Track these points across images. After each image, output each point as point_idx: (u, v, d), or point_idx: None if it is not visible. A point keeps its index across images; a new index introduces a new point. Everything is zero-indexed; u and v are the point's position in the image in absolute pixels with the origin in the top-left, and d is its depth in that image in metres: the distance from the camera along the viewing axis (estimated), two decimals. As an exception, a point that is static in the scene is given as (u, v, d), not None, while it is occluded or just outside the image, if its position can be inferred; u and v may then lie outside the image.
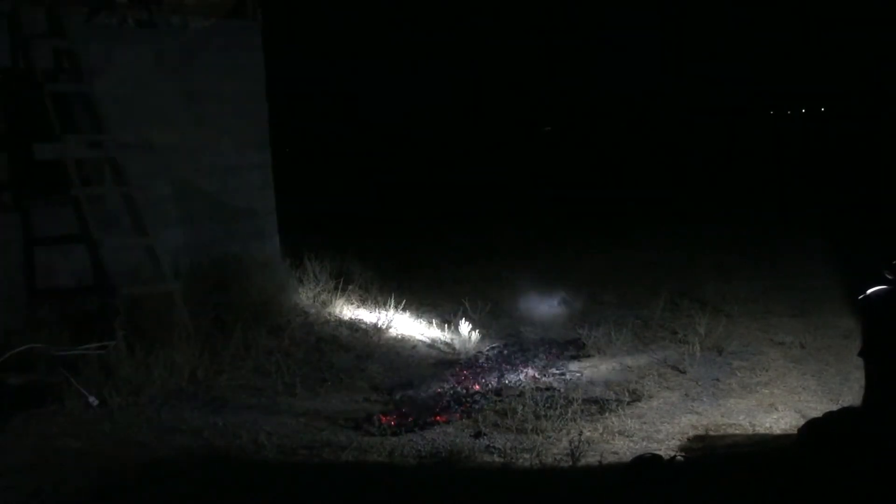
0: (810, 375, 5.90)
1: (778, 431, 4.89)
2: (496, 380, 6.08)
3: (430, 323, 7.40)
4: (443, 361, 6.60)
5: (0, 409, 5.14)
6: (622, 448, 4.74)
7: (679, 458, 4.39)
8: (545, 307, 7.99)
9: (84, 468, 4.43)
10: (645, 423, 5.12)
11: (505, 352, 6.77)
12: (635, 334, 7.04)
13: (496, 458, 4.66)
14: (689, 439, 4.82)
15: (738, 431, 4.93)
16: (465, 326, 6.96)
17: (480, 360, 6.56)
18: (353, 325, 7.30)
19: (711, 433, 4.89)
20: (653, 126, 29.98)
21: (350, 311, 7.67)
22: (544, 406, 5.32)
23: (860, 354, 4.15)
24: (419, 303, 8.03)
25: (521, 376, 6.14)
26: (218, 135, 7.82)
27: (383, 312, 7.50)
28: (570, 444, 4.64)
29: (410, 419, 5.33)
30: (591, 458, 4.56)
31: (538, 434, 4.95)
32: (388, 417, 5.31)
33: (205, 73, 7.73)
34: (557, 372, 6.26)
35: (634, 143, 25.96)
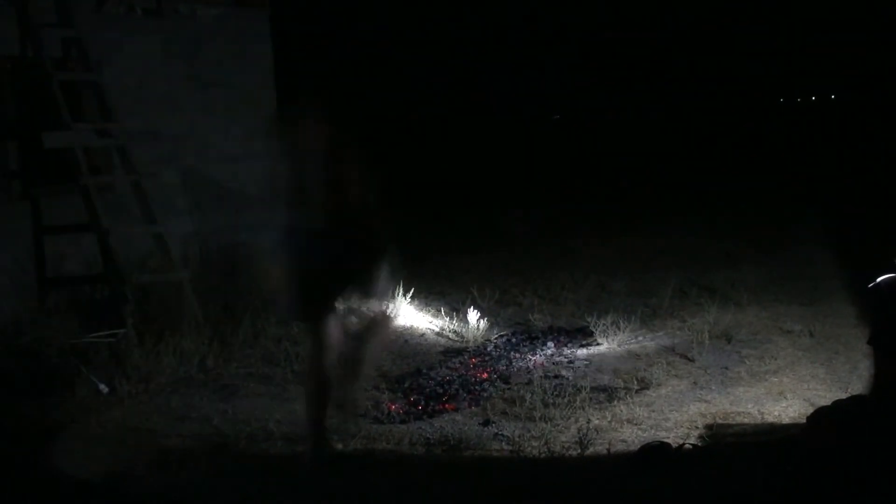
0: (819, 364, 5.88)
1: (787, 419, 4.88)
2: (504, 368, 6.08)
3: (439, 311, 7.40)
4: (451, 349, 6.61)
5: (11, 397, 5.18)
6: (630, 436, 4.74)
7: (687, 445, 4.40)
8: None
9: (93, 455, 4.46)
10: (653, 411, 5.12)
11: (513, 340, 6.77)
12: (643, 322, 7.03)
13: (505, 446, 4.67)
14: (697, 427, 4.81)
15: (746, 420, 4.92)
16: (473, 315, 6.96)
17: (489, 349, 6.56)
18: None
19: (720, 421, 4.88)
20: (660, 112, 29.90)
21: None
22: (553, 394, 5.32)
23: (869, 343, 4.14)
24: (427, 291, 8.03)
25: (530, 364, 6.14)
26: (226, 123, 7.84)
27: (391, 301, 7.50)
28: (579, 432, 4.64)
29: (419, 407, 5.34)
30: (599, 446, 4.56)
31: (546, 422, 4.95)
32: (396, 405, 5.32)
33: (213, 61, 7.75)
34: (566, 360, 6.26)
35: (642, 130, 25.91)
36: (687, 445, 4.39)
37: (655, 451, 4.29)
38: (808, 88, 40.29)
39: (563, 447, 4.60)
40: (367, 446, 4.68)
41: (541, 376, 5.75)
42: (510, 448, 4.63)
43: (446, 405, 5.38)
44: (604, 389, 5.54)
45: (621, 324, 6.82)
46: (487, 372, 6.00)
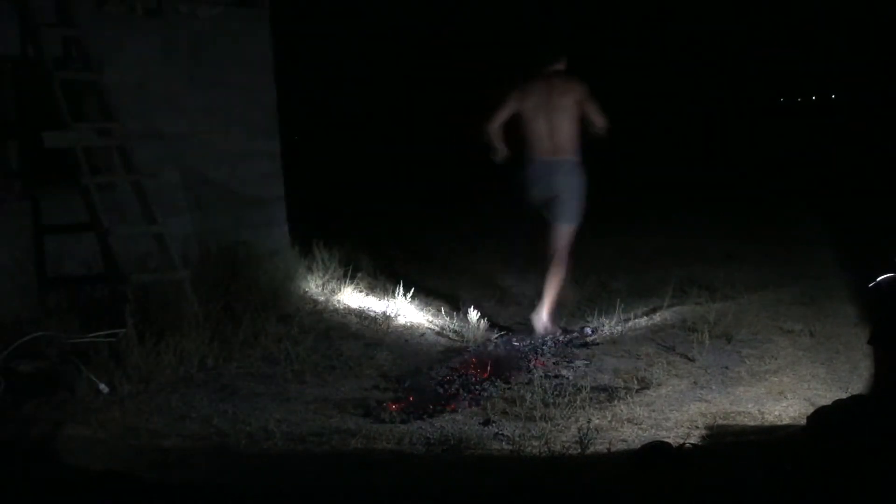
0: (820, 363, 5.88)
1: (787, 419, 4.88)
2: (505, 367, 6.08)
3: (439, 311, 7.41)
4: (451, 349, 6.61)
5: (11, 397, 5.18)
6: (631, 435, 4.75)
7: (687, 445, 4.40)
8: None
9: (93, 455, 4.46)
10: (653, 410, 5.12)
11: (513, 339, 6.77)
12: (644, 322, 7.03)
13: (505, 446, 4.67)
14: (697, 427, 4.82)
15: (746, 419, 4.92)
16: (473, 314, 6.97)
17: (489, 348, 6.56)
18: (362, 314, 7.31)
19: (720, 421, 4.88)
20: (659, 111, 29.87)
21: (359, 299, 7.68)
22: (553, 394, 5.33)
23: (870, 342, 4.14)
24: (427, 291, 8.04)
25: (530, 364, 6.14)
26: (226, 123, 7.83)
27: (392, 300, 7.51)
28: (579, 432, 4.64)
29: (419, 407, 5.34)
30: (599, 446, 4.57)
31: (547, 422, 4.95)
32: (396, 405, 5.32)
33: (213, 60, 7.73)
34: (566, 360, 6.27)
35: (642, 130, 25.87)
36: (687, 445, 4.39)
37: (655, 451, 4.29)
38: (808, 88, 40.20)
39: (564, 447, 4.60)
40: (366, 446, 4.68)
41: (541, 376, 5.75)
42: (510, 448, 4.63)
43: (446, 405, 5.38)
44: (604, 389, 5.55)
45: (622, 323, 6.83)
46: (487, 371, 6.00)
